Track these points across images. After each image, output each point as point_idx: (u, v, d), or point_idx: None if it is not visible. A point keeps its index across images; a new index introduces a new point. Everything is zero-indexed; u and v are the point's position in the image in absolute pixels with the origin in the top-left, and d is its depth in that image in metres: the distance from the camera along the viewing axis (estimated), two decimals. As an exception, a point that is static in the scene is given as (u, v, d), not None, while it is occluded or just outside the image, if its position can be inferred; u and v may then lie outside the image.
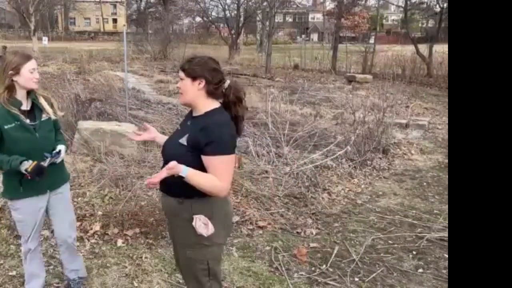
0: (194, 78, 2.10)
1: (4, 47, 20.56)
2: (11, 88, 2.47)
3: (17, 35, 39.53)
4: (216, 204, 2.13)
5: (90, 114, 7.17)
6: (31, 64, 2.47)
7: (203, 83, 2.10)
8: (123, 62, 11.02)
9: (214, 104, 2.15)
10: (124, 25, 8.62)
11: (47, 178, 2.55)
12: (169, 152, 2.15)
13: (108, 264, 3.33)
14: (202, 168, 2.04)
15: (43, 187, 2.60)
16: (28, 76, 2.45)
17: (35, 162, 2.41)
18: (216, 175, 2.00)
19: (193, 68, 2.10)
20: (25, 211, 2.60)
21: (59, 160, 2.59)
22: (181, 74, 2.13)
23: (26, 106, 2.54)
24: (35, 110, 2.57)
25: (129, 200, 4.06)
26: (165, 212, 2.34)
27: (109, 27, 60.41)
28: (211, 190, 2.03)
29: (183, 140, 2.08)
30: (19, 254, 3.40)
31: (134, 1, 54.48)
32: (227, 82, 2.17)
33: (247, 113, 2.30)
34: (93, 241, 3.64)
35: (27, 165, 2.40)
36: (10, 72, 2.43)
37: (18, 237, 3.60)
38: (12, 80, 2.45)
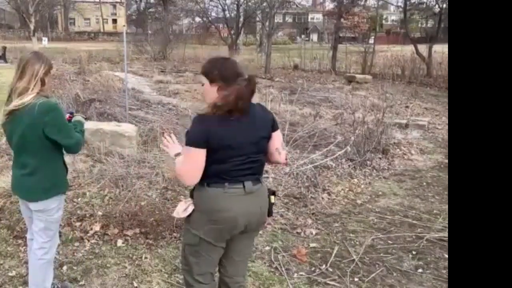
0: None
1: (4, 47, 20.57)
2: (44, 84, 2.50)
3: (17, 35, 39.41)
4: (202, 194, 2.20)
5: (90, 115, 7.18)
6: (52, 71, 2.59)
7: None
8: (122, 63, 11.03)
9: None
10: (123, 26, 8.65)
11: None
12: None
13: (108, 264, 3.33)
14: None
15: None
16: (49, 80, 2.56)
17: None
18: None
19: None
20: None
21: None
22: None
23: None
24: None
25: (129, 200, 4.07)
26: None
27: (108, 27, 60.47)
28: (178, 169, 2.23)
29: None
30: (19, 254, 3.40)
31: (133, 2, 54.50)
32: None
33: None
34: (93, 241, 3.63)
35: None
36: (47, 68, 2.49)
37: (17, 237, 3.61)
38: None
